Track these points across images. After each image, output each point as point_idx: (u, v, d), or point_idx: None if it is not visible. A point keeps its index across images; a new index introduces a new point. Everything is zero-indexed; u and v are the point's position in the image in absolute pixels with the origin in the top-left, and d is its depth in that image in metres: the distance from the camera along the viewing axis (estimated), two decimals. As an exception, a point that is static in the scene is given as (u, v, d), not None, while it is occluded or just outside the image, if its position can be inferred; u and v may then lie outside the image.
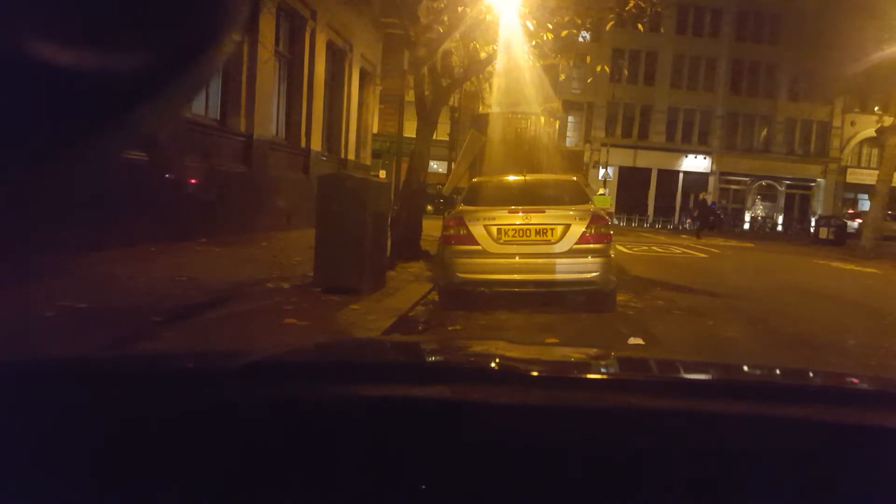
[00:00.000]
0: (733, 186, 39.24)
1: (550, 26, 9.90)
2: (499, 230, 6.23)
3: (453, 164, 15.30)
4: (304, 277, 6.84)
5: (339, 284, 6.21)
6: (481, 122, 12.84)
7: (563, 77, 26.11)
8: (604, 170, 34.14)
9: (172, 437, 0.88)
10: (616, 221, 30.51)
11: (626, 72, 34.56)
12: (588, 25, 10.61)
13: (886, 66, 16.90)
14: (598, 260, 6.25)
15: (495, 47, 10.79)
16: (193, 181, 9.50)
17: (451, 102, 16.56)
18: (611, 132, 37.35)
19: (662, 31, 36.04)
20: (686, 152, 38.16)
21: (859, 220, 25.15)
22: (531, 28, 10.03)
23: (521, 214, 6.30)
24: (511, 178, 7.63)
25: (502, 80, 12.66)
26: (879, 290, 10.80)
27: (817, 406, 0.96)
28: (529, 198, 6.73)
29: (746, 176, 38.63)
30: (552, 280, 6.25)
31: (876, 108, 27.43)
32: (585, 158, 36.18)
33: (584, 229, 6.21)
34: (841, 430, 0.91)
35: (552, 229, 6.23)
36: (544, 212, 6.33)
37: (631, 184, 36.88)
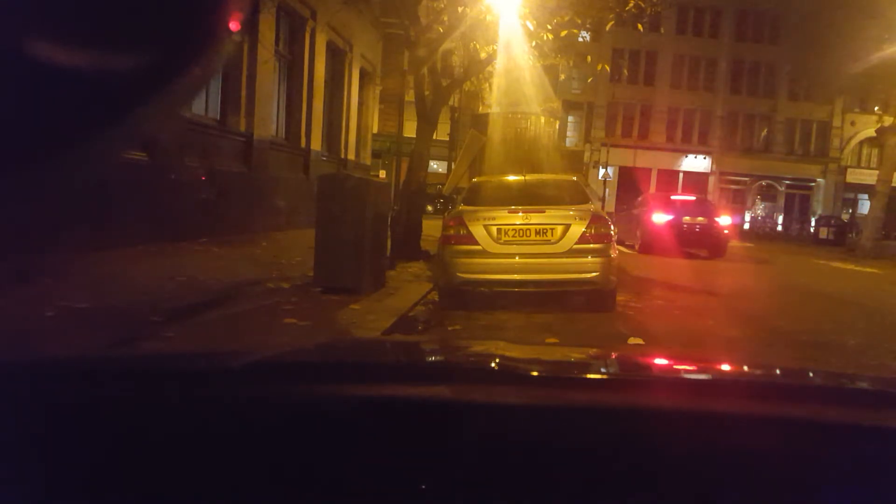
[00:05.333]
0: (733, 186, 39.22)
1: (550, 26, 9.90)
2: (499, 230, 6.23)
3: (453, 164, 15.29)
4: (304, 277, 6.83)
5: (339, 284, 6.20)
6: (481, 122, 12.82)
7: (563, 77, 26.13)
8: (604, 170, 34.12)
9: (172, 436, 0.88)
10: None
11: (626, 72, 34.54)
12: (588, 25, 10.61)
13: (886, 65, 16.90)
14: (598, 260, 6.25)
15: (495, 47, 10.78)
16: (193, 181, 9.50)
17: (451, 102, 16.55)
18: (611, 132, 37.32)
19: (662, 31, 36.01)
20: (686, 152, 38.15)
21: None
22: (531, 28, 10.03)
23: (521, 214, 6.30)
24: (511, 178, 7.64)
25: (502, 80, 12.64)
26: (880, 290, 10.80)
27: (817, 406, 0.96)
28: (529, 198, 6.73)
29: (746, 176, 38.61)
30: (552, 280, 6.25)
31: (876, 108, 27.41)
32: (585, 158, 36.17)
33: (584, 229, 6.21)
34: (841, 430, 0.91)
35: (552, 229, 6.23)
36: (544, 212, 6.33)
37: (631, 184, 36.83)
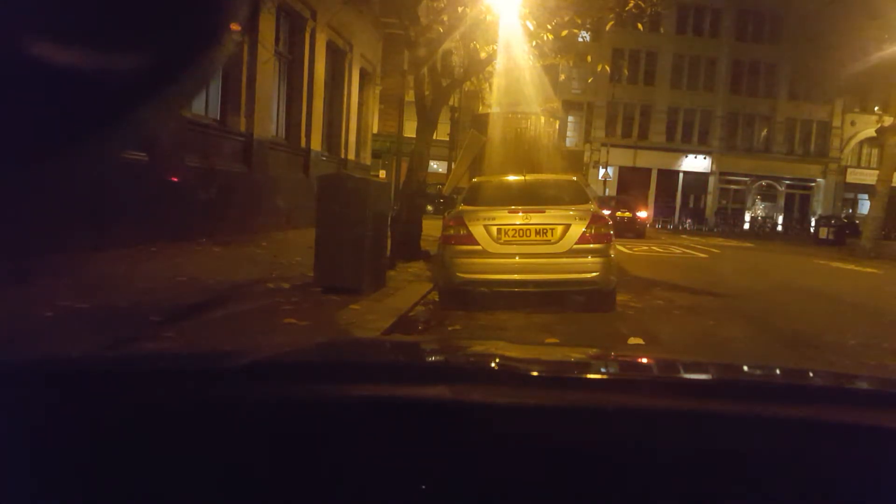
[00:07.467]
0: (733, 186, 39.20)
1: (550, 26, 9.90)
2: (499, 230, 6.22)
3: (453, 164, 15.29)
4: (304, 277, 6.83)
5: (339, 284, 6.20)
6: (481, 122, 12.81)
7: (563, 77, 26.13)
8: (604, 170, 34.12)
9: (172, 436, 0.88)
10: None
11: (626, 72, 34.53)
12: (588, 25, 10.61)
13: (886, 66, 16.91)
14: (598, 260, 6.25)
15: (495, 47, 10.78)
16: (193, 181, 9.49)
17: (451, 102, 16.55)
18: (611, 132, 37.31)
19: (662, 31, 35.94)
20: (686, 152, 38.12)
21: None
22: (531, 28, 10.03)
23: (521, 214, 6.29)
24: (511, 178, 7.63)
25: (502, 80, 12.65)
26: (879, 290, 10.80)
27: (817, 406, 0.96)
28: (529, 198, 6.72)
29: (746, 176, 38.58)
30: (552, 280, 6.24)
31: (876, 108, 27.44)
32: (585, 158, 36.15)
33: (584, 229, 6.21)
34: (841, 430, 0.90)
35: (552, 229, 6.22)
36: (544, 212, 6.33)
37: (631, 184, 36.83)
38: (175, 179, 9.26)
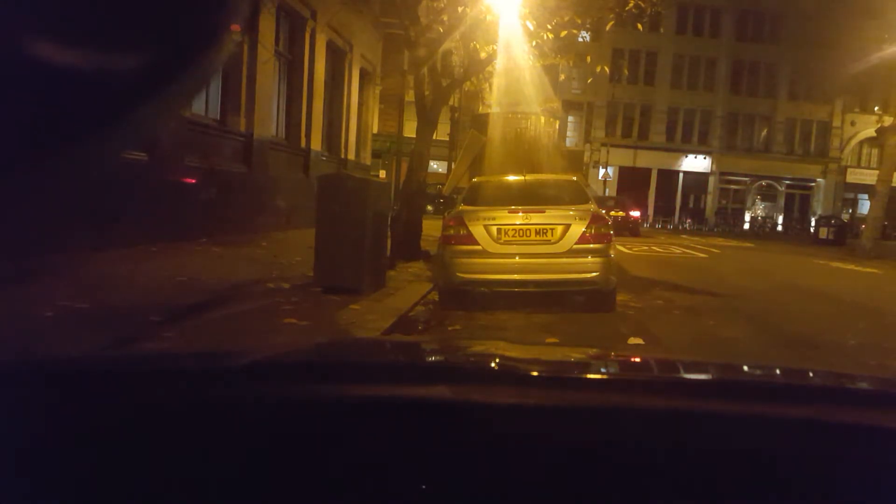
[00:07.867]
0: (733, 186, 39.20)
1: (550, 26, 9.90)
2: (499, 230, 6.22)
3: (453, 164, 15.30)
4: (304, 277, 6.84)
5: (339, 284, 6.21)
6: (481, 122, 12.81)
7: (563, 77, 26.18)
8: (604, 170, 34.12)
9: (171, 436, 0.88)
10: None
11: (626, 72, 34.53)
12: (588, 25, 10.61)
13: (886, 65, 16.93)
14: (598, 260, 6.25)
15: (495, 47, 10.79)
16: (193, 181, 9.48)
17: (451, 102, 16.56)
18: (611, 132, 37.31)
19: (662, 31, 36.01)
20: (686, 152, 38.13)
21: None
22: (531, 28, 10.03)
23: (521, 214, 6.30)
24: (511, 178, 7.63)
25: (502, 80, 12.67)
26: (879, 290, 10.80)
27: (817, 406, 0.96)
28: (529, 198, 6.72)
29: (746, 176, 38.59)
30: (552, 280, 6.25)
31: (876, 108, 27.49)
32: (585, 158, 36.14)
33: (583, 229, 6.21)
34: (841, 430, 0.90)
35: (552, 229, 6.22)
36: (544, 212, 6.33)
37: (631, 184, 36.85)
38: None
